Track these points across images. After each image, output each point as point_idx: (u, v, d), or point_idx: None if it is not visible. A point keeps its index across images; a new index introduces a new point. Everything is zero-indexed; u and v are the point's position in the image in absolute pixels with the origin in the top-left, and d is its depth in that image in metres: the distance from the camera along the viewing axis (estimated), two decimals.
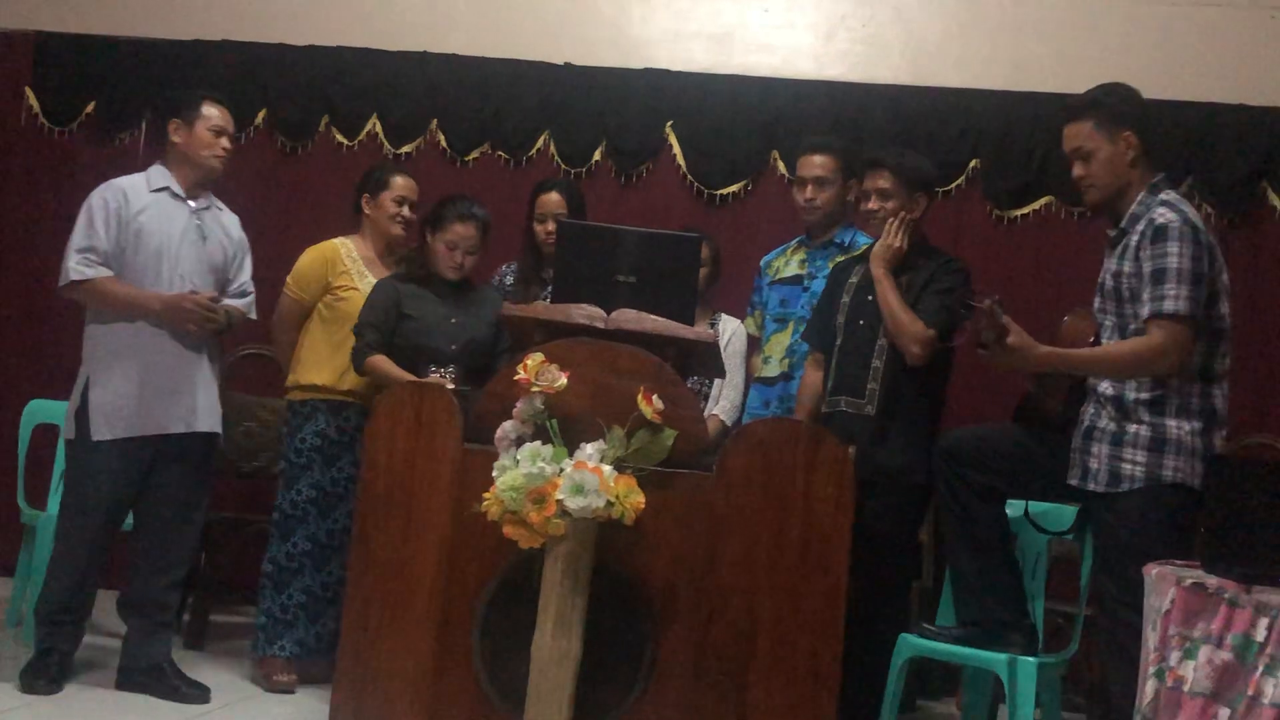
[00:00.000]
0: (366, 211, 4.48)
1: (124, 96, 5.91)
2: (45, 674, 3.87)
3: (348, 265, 4.39)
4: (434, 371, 4.02)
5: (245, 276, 4.26)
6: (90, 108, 5.95)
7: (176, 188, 4.08)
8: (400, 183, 4.46)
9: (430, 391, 3.54)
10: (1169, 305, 3.19)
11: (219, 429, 4.13)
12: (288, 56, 5.82)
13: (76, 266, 3.94)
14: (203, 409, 4.03)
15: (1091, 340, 3.42)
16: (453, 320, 4.19)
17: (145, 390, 3.93)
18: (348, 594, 3.56)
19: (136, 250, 3.98)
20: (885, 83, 5.46)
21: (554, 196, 4.51)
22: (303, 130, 5.81)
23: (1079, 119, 3.43)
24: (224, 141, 4.14)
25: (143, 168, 5.73)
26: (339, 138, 5.79)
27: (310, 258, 4.43)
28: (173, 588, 4.08)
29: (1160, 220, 3.25)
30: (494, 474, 3.19)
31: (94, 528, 3.93)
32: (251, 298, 4.26)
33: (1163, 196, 3.34)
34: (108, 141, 5.95)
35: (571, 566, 3.15)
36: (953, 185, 5.36)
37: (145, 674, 3.98)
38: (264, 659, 4.21)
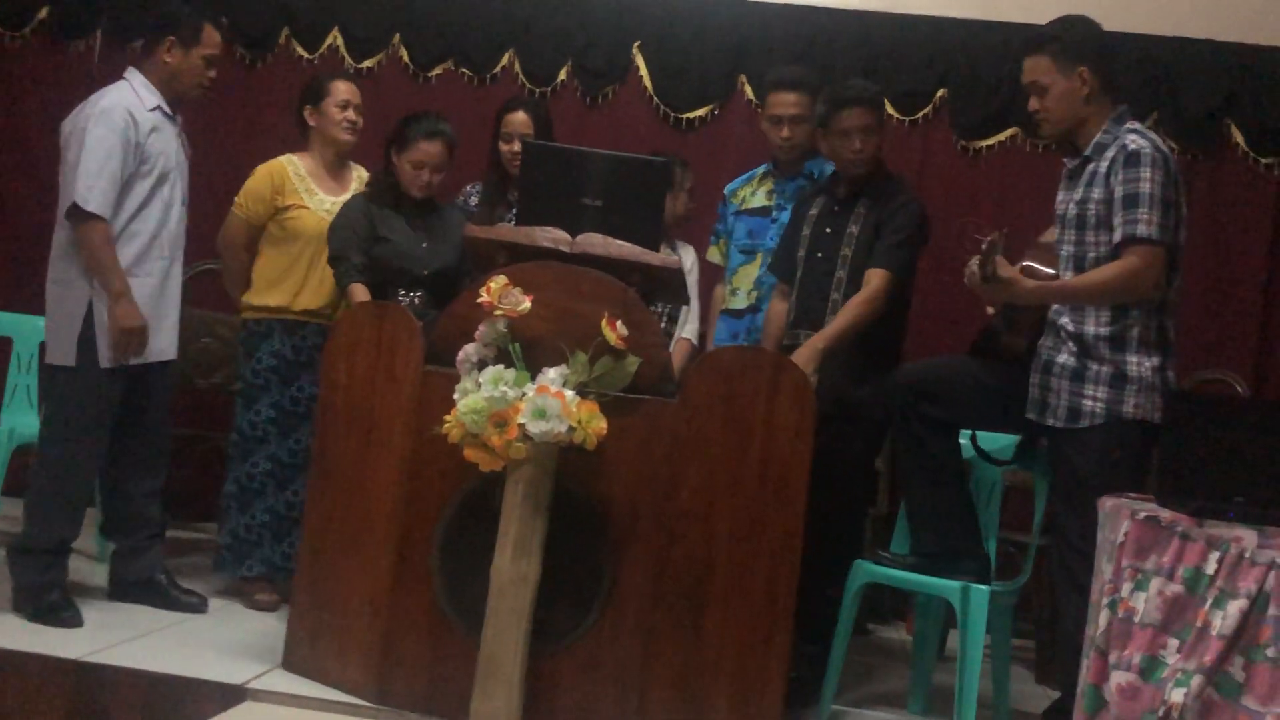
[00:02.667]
0: (311, 124, 4.37)
1: (78, 2, 5.77)
2: (64, 605, 3.77)
3: (295, 184, 4.31)
4: (402, 295, 4.00)
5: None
6: (43, 13, 5.80)
7: (166, 106, 3.97)
8: (341, 87, 4.36)
9: (391, 312, 3.51)
10: (1142, 229, 3.22)
11: (174, 353, 4.11)
12: None
13: (89, 195, 3.73)
14: (169, 333, 4.01)
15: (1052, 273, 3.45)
16: (424, 244, 4.15)
17: (150, 320, 3.87)
18: (305, 513, 3.56)
19: (144, 176, 3.86)
20: (854, 9, 5.40)
21: (520, 116, 4.43)
22: (262, 42, 5.70)
23: (1036, 53, 3.45)
24: (212, 72, 4.03)
25: (98, 76, 5.68)
26: (299, 50, 5.68)
27: (257, 177, 4.35)
28: (151, 499, 4.06)
29: (1133, 146, 3.28)
30: (455, 397, 3.17)
31: (91, 454, 3.87)
32: None
33: (1130, 125, 3.38)
34: (60, 49, 5.81)
35: (532, 490, 3.15)
36: (919, 114, 5.34)
37: (139, 586, 4.01)
38: (245, 579, 4.23)
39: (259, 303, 4.29)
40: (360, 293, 4.01)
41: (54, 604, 3.76)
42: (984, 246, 3.17)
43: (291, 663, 3.51)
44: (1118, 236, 3.25)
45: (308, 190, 4.30)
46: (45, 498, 3.85)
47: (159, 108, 3.94)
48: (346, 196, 4.28)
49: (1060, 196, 3.48)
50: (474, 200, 4.53)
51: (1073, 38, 3.42)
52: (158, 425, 4.05)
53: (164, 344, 3.96)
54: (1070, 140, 3.46)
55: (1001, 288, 3.24)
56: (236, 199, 4.36)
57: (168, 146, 3.94)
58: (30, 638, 3.52)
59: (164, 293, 3.93)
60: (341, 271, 4.07)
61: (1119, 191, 3.26)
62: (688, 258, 4.47)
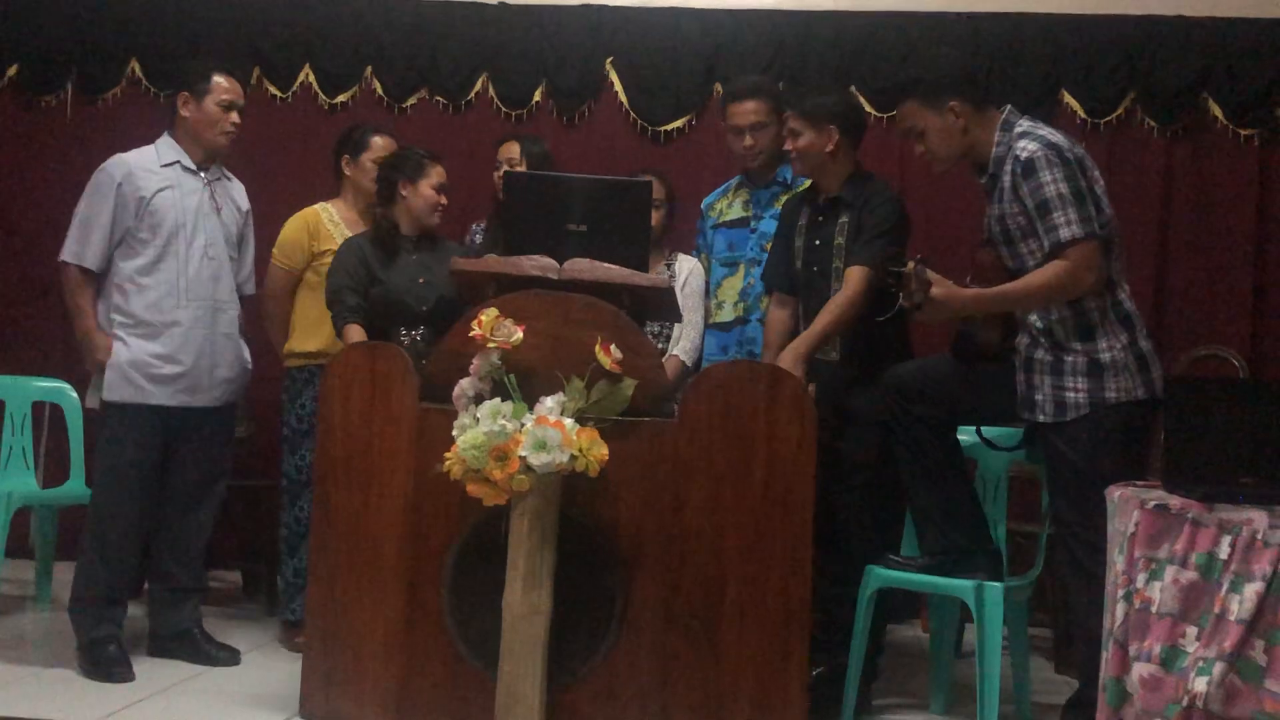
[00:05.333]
0: (347, 173, 4.44)
1: (48, 58, 5.75)
2: (117, 659, 3.81)
3: (330, 229, 4.36)
4: (403, 335, 4.00)
5: (250, 254, 4.24)
6: (13, 71, 5.78)
7: (187, 161, 4.01)
8: (380, 143, 4.42)
9: (383, 351, 3.49)
10: (1064, 233, 3.24)
11: (234, 399, 4.15)
12: (215, 7, 5.68)
13: (67, 245, 3.92)
14: (222, 382, 4.03)
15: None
16: (421, 280, 4.13)
17: (167, 362, 3.91)
18: (311, 559, 3.52)
19: (153, 230, 3.91)
20: (826, 9, 5.40)
21: (512, 145, 4.51)
22: None
23: (904, 99, 3.51)
24: (233, 116, 4.05)
25: (71, 129, 5.68)
26: (272, 89, 5.66)
27: (293, 226, 4.41)
28: (191, 556, 4.08)
29: (1024, 155, 3.30)
30: (454, 433, 3.15)
31: (121, 500, 3.88)
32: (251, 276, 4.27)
33: (1018, 129, 3.39)
34: (33, 105, 5.79)
35: (538, 521, 3.13)
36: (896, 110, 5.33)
37: (173, 640, 4.03)
38: (286, 624, 4.30)
39: (301, 349, 4.33)
40: (355, 333, 4.00)
41: (108, 658, 3.81)
42: (911, 273, 3.21)
43: (308, 710, 3.48)
44: (1046, 247, 3.28)
45: (342, 235, 4.33)
46: (86, 548, 3.92)
47: (177, 163, 3.99)
48: None
49: (986, 211, 3.49)
50: (479, 238, 4.55)
51: (933, 76, 3.47)
52: (202, 478, 4.06)
53: (203, 391, 3.98)
54: (972, 161, 3.48)
55: (939, 308, 3.27)
56: (274, 251, 4.41)
57: (183, 201, 3.97)
58: (47, 701, 3.50)
59: (193, 340, 3.95)
60: (336, 314, 4.08)
61: (1030, 204, 3.29)
62: (685, 269, 4.41)
